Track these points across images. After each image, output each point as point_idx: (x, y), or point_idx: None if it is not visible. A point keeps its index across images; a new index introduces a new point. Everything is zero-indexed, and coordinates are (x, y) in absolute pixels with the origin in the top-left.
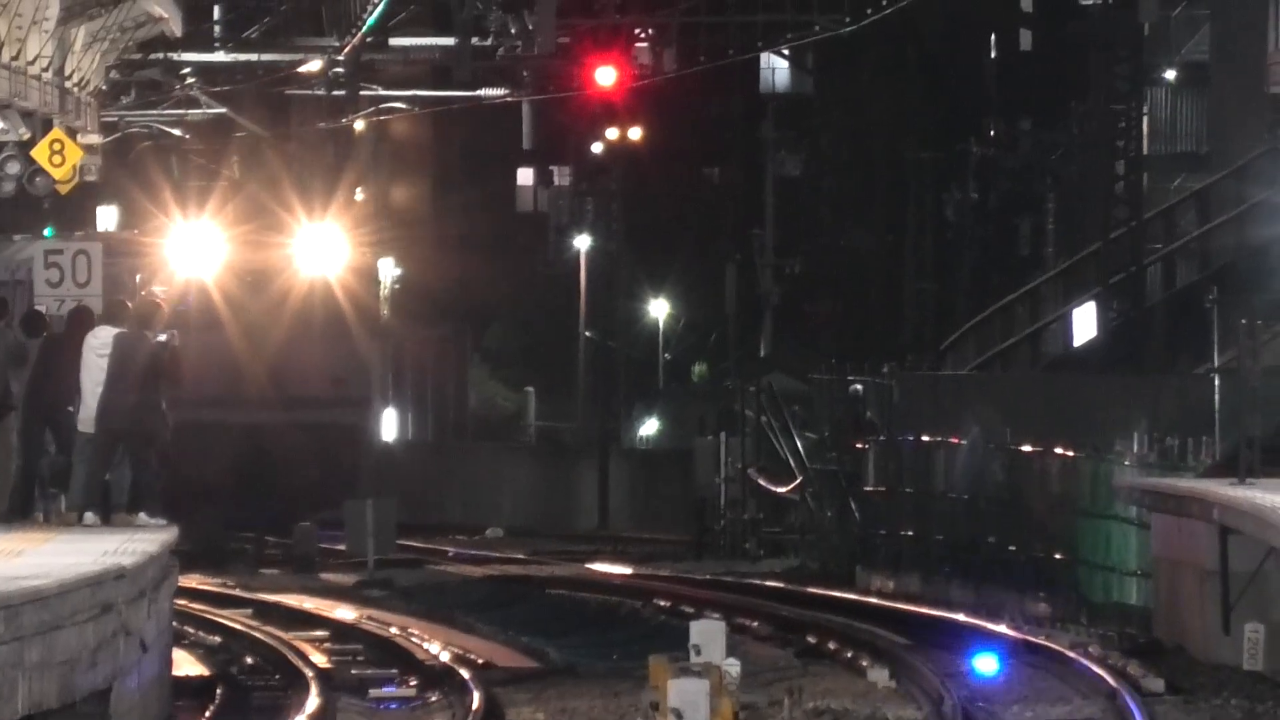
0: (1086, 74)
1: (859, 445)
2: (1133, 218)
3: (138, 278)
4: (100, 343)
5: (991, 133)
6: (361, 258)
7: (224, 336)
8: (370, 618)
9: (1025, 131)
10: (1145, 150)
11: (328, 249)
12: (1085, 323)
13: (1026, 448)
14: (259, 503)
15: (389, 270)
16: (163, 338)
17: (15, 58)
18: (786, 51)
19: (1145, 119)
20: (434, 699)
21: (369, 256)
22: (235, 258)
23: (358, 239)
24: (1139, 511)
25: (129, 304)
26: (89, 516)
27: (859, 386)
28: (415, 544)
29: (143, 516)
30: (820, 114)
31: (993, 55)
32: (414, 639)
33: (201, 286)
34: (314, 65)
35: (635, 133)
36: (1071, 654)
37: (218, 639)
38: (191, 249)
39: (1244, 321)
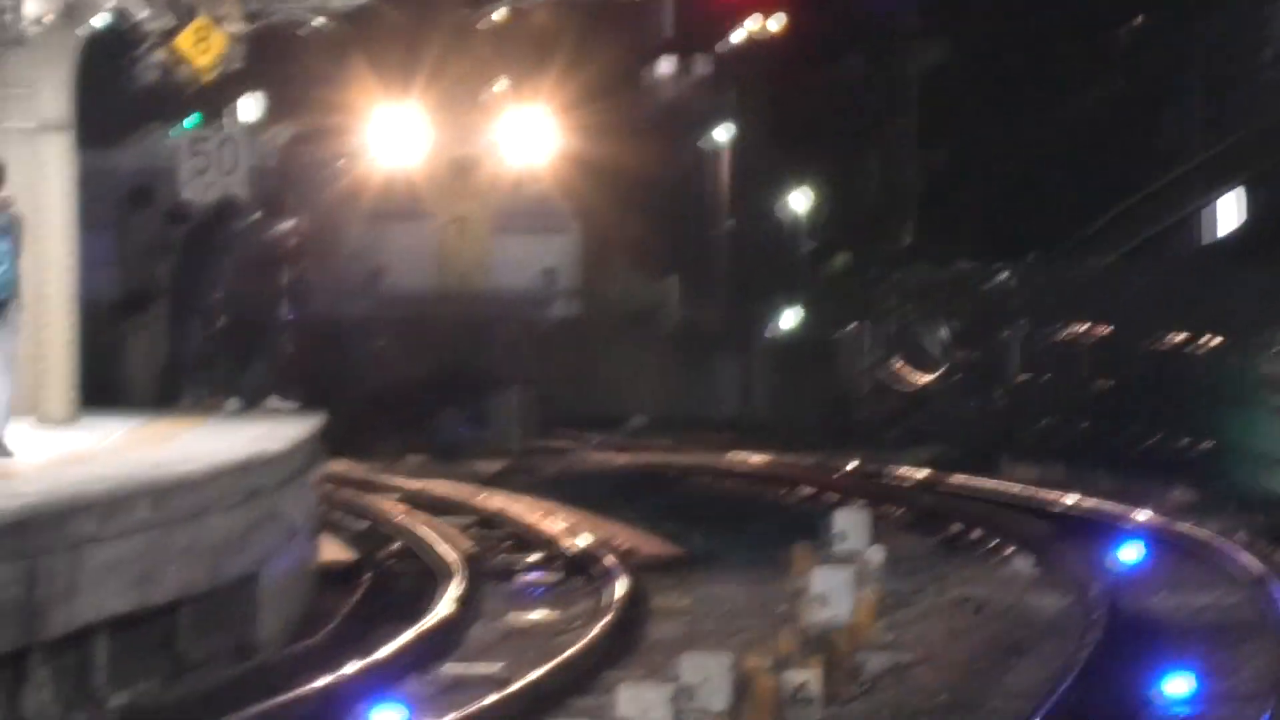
0: None
1: (1006, 333)
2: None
3: (339, 163)
4: (235, 233)
5: (1137, 20)
6: (569, 144)
7: (428, 229)
8: (515, 505)
9: (1170, 18)
10: None
11: (536, 135)
12: (1232, 211)
13: (1172, 336)
14: (478, 399)
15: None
16: (288, 225)
17: None
18: None
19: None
20: (578, 585)
21: (577, 142)
22: (440, 144)
23: (566, 123)
24: None
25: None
26: (233, 402)
27: (997, 282)
28: (560, 432)
29: (274, 400)
30: (964, 2)
31: None
32: (558, 526)
33: (404, 173)
34: None
35: (776, 21)
36: (1218, 540)
37: (364, 524)
38: (394, 134)
39: None
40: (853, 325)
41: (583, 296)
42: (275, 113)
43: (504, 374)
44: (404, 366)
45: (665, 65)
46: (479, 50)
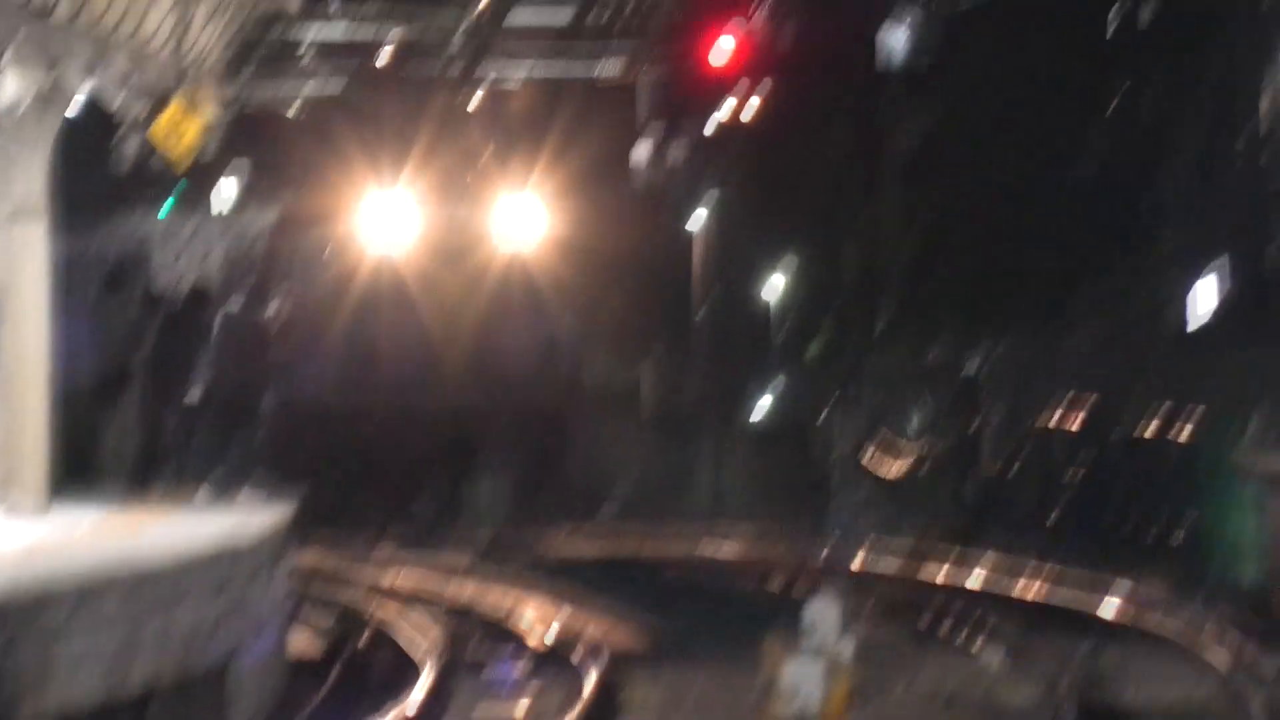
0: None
1: (982, 422)
2: (1267, 171)
3: (326, 251)
4: (218, 319)
5: (1115, 100)
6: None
7: (418, 316)
8: (485, 596)
9: (1148, 100)
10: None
11: (526, 221)
12: (1210, 293)
13: (1143, 425)
14: (458, 487)
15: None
16: (270, 312)
17: (134, 33)
18: (907, 21)
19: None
20: (548, 678)
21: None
22: (430, 231)
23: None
24: (1259, 491)
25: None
26: (204, 490)
27: (972, 368)
28: (536, 517)
29: (246, 491)
30: (940, 86)
31: (1110, 31)
32: (529, 616)
33: (392, 263)
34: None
35: (752, 106)
36: (1189, 633)
37: (332, 617)
38: (384, 221)
39: None
40: (828, 411)
41: (569, 381)
42: (254, 197)
43: (487, 460)
44: (391, 453)
45: (643, 149)
46: (469, 135)
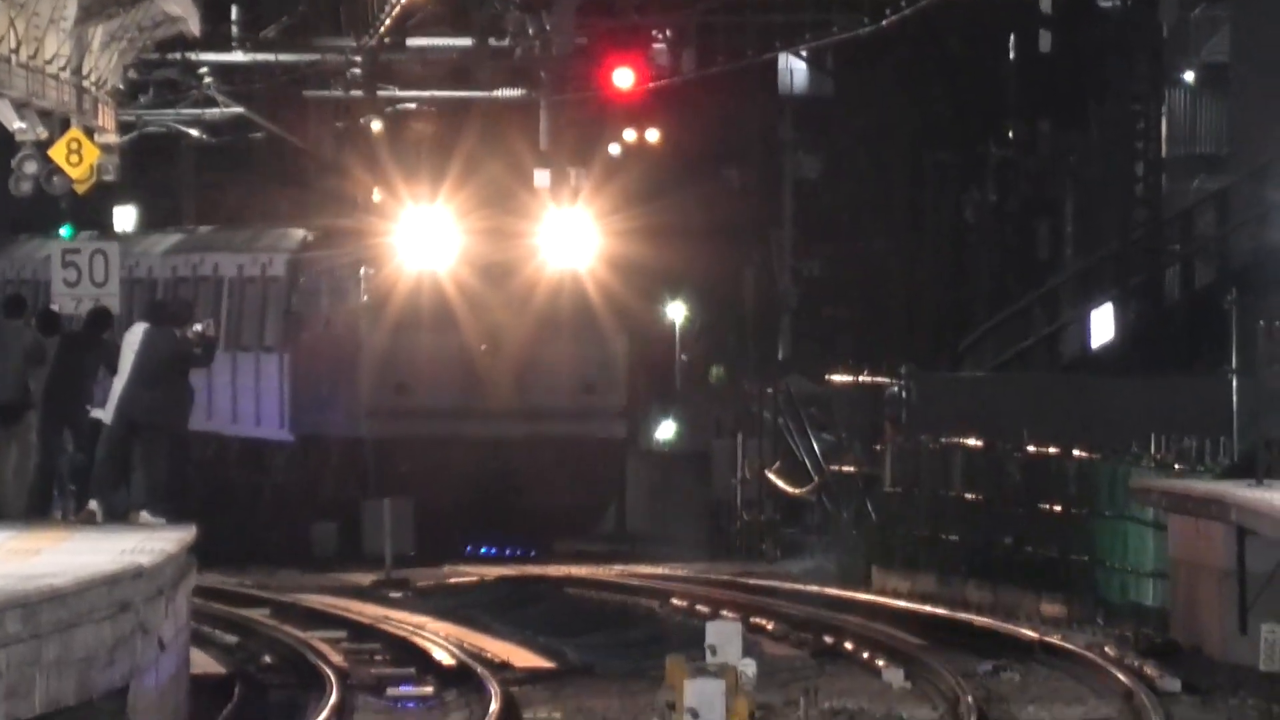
0: (1105, 76)
1: (882, 445)
2: (1151, 219)
3: (361, 272)
4: (134, 339)
5: (1010, 134)
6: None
7: (460, 338)
8: (387, 617)
9: (1044, 133)
10: (1164, 152)
11: (577, 238)
12: (1103, 324)
13: (1040, 448)
14: (500, 525)
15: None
16: (198, 327)
17: (33, 57)
18: (805, 52)
19: (1164, 120)
20: (451, 698)
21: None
22: (472, 248)
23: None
24: (1156, 513)
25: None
26: (91, 504)
27: (895, 388)
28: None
29: (144, 515)
30: (839, 116)
31: (1011, 57)
32: (430, 638)
33: (434, 281)
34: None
35: (653, 134)
36: (1088, 654)
37: (235, 638)
38: (422, 238)
39: (1262, 323)
40: (727, 437)
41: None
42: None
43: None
44: (429, 490)
45: (540, 178)
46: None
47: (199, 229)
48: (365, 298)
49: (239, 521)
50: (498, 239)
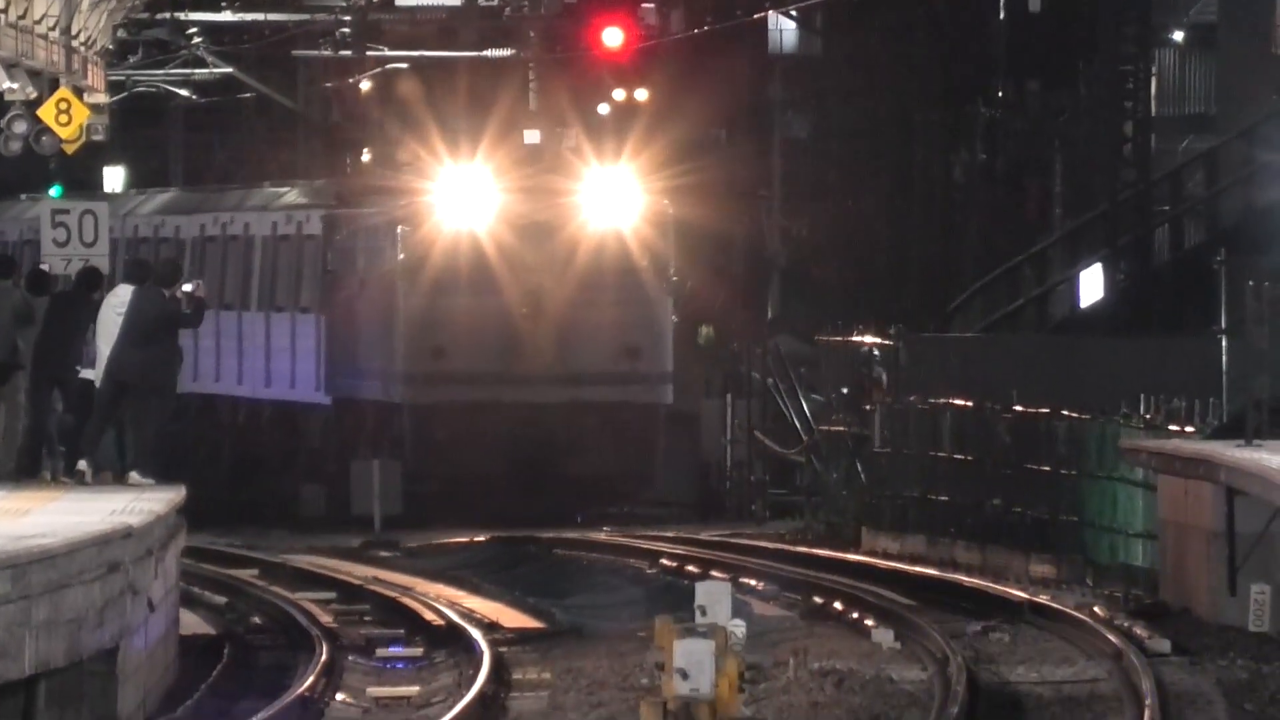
0: (1094, 35)
1: (868, 405)
2: (1140, 180)
3: (400, 228)
4: (119, 300)
5: (999, 94)
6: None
7: (500, 301)
8: (377, 578)
9: (1033, 93)
10: (1153, 112)
11: (621, 196)
12: (1092, 284)
13: (1029, 409)
14: (537, 494)
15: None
16: (188, 288)
17: (22, 16)
18: (794, 12)
19: (1153, 80)
20: (440, 659)
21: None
22: (512, 207)
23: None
24: (1145, 473)
25: (149, 262)
26: (81, 464)
27: (870, 347)
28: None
29: (134, 475)
30: (828, 75)
31: (1001, 16)
32: (420, 599)
33: (473, 240)
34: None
35: (642, 94)
36: (1077, 615)
37: (224, 598)
38: (461, 196)
39: (1251, 283)
40: (716, 397)
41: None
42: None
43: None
44: (466, 459)
45: (530, 138)
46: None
47: (228, 187)
48: (402, 257)
49: (273, 487)
50: (538, 197)
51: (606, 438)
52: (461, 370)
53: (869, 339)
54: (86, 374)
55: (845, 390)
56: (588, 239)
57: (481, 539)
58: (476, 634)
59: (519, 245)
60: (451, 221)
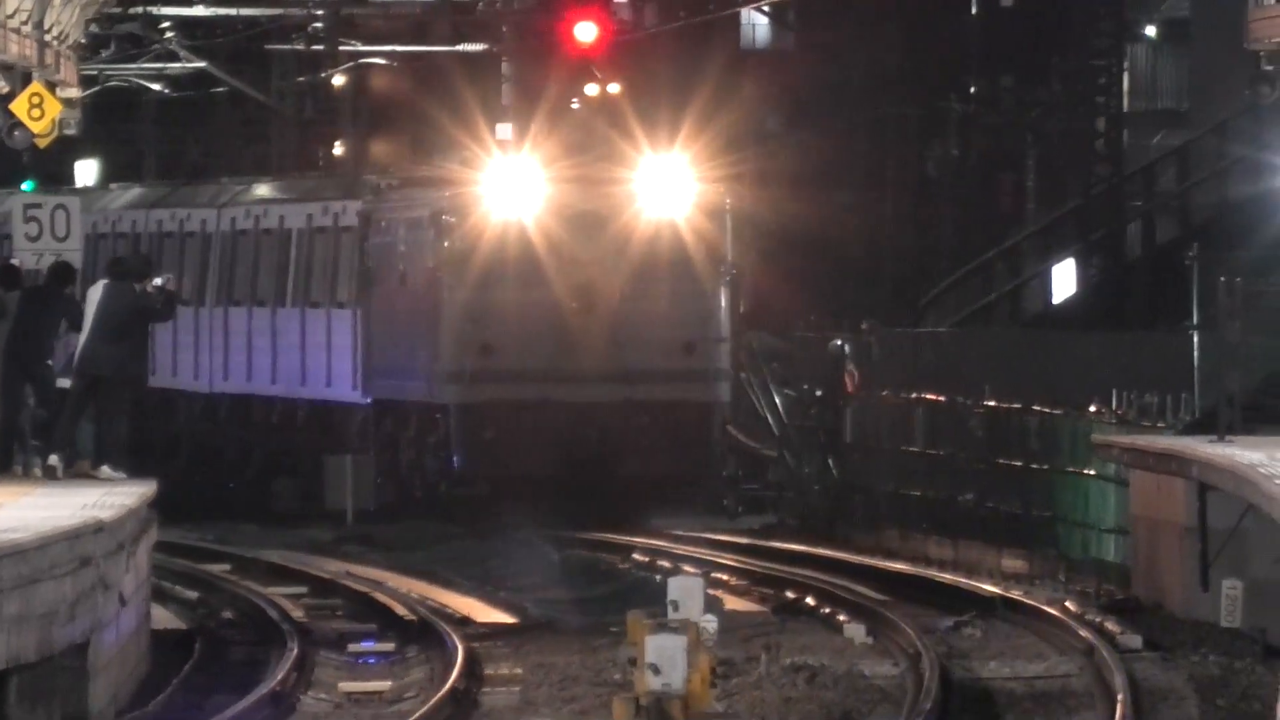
0: (1067, 30)
1: (840, 400)
2: (1113, 174)
3: (444, 219)
4: (96, 295)
5: (972, 89)
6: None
7: (549, 295)
8: (349, 572)
9: (1006, 88)
10: (1126, 107)
11: (675, 185)
12: (1065, 279)
13: (1001, 404)
14: (590, 495)
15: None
16: (159, 281)
17: None
18: (767, 7)
19: (1126, 76)
20: (412, 654)
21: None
22: (561, 197)
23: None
24: (1117, 469)
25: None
26: (52, 459)
27: (839, 342)
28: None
29: (105, 470)
30: (800, 70)
31: (974, 11)
32: (392, 593)
33: (521, 232)
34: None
35: (614, 89)
36: (1049, 610)
37: (195, 593)
38: (508, 185)
39: (1223, 279)
40: None
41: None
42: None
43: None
44: (515, 461)
45: (503, 132)
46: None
47: (259, 179)
48: (446, 249)
49: (306, 488)
50: (588, 186)
51: (661, 437)
52: (510, 368)
53: (841, 335)
54: (63, 383)
55: (818, 389)
56: (641, 230)
57: (455, 532)
58: (448, 629)
59: (568, 237)
60: (498, 212)
